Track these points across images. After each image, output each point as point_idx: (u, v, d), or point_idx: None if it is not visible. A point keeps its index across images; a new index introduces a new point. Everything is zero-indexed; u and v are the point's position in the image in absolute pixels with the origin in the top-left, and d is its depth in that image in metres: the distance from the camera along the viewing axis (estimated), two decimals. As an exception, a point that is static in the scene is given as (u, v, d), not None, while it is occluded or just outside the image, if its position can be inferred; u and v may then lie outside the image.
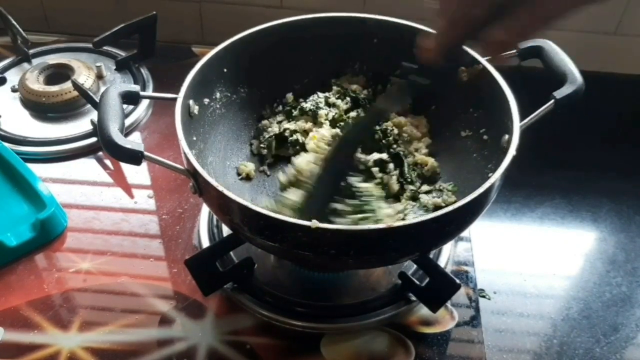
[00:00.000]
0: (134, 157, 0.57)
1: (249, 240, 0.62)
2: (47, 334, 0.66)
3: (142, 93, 0.66)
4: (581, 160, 0.91)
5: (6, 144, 0.85)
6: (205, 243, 0.74)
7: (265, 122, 0.79)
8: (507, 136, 0.62)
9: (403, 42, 0.65)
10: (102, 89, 0.96)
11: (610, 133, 0.95)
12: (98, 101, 0.64)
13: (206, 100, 0.71)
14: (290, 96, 0.80)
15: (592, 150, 0.92)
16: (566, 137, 0.93)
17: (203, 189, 0.59)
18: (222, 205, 0.58)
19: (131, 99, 0.66)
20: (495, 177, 0.56)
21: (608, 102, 1.00)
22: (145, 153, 0.57)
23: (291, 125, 0.76)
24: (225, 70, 0.73)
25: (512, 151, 0.59)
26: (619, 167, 0.90)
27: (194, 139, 0.67)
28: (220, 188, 0.55)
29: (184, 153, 0.60)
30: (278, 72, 0.78)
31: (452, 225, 0.58)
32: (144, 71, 1.00)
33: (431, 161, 0.74)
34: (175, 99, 0.64)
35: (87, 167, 0.85)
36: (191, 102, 0.67)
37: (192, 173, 0.59)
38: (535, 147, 0.90)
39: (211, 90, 0.72)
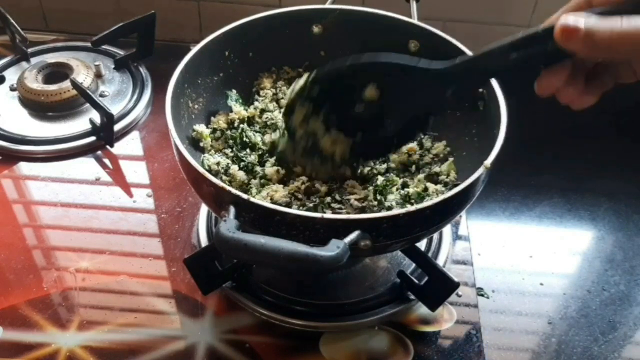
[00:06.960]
0: None
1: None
2: (46, 333, 0.66)
3: None
4: (579, 159, 0.91)
5: (5, 143, 0.85)
6: (204, 242, 0.74)
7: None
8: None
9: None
10: (101, 87, 0.96)
11: (609, 132, 0.95)
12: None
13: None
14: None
15: (591, 149, 0.92)
16: (564, 136, 0.93)
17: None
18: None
19: None
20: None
21: (606, 101, 0.99)
22: None
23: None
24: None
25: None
26: (617, 166, 0.90)
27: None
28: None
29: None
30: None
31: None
32: (143, 70, 1.00)
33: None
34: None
35: (86, 166, 0.85)
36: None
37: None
38: (534, 146, 0.90)
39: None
